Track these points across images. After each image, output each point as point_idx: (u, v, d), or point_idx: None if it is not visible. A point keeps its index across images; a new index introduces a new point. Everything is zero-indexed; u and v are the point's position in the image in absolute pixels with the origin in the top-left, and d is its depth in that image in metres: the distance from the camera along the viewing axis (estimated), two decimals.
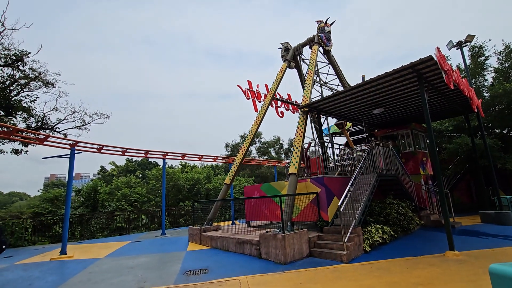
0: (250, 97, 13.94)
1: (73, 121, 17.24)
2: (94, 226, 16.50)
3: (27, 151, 15.48)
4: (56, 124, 16.85)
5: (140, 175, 37.36)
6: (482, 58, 17.80)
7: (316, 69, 14.46)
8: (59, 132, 16.91)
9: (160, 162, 35.16)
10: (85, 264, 8.17)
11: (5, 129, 10.43)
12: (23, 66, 15.05)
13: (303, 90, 12.45)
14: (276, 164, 22.47)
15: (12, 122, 14.90)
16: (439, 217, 11.83)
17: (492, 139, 15.12)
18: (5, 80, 14.83)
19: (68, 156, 10.40)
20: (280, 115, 15.12)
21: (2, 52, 14.35)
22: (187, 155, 15.61)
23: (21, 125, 15.39)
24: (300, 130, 10.60)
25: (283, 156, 39.86)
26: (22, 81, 15.30)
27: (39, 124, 16.19)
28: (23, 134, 11.33)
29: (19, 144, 14.92)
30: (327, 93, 15.11)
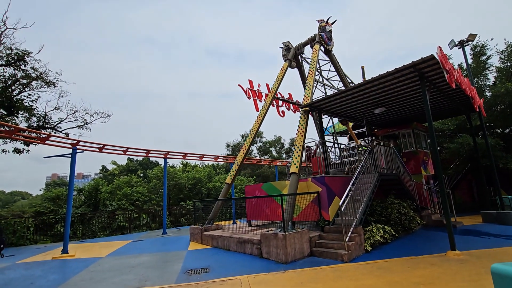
0: (251, 96, 13.93)
1: (75, 120, 17.32)
2: (95, 225, 16.55)
3: (29, 150, 15.56)
4: (57, 124, 16.92)
5: (142, 175, 37.43)
6: (484, 57, 17.72)
7: (318, 66, 14.44)
8: (60, 132, 16.98)
9: (161, 161, 35.28)
10: (87, 263, 8.20)
11: (7, 129, 10.47)
12: (24, 66, 15.11)
13: (304, 89, 12.44)
14: (277, 164, 22.47)
15: (14, 121, 14.97)
16: (441, 216, 11.80)
17: (494, 138, 15.07)
18: (7, 79, 14.89)
19: (70, 155, 10.44)
20: (281, 115, 15.11)
21: (4, 52, 14.40)
22: (188, 155, 15.63)
23: (23, 125, 15.45)
24: (301, 129, 10.59)
25: (284, 155, 39.86)
26: (24, 81, 15.36)
27: (40, 123, 16.25)
28: (25, 133, 11.38)
29: (21, 143, 14.99)
30: (330, 93, 15.08)
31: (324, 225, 8.44)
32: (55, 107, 16.53)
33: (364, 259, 6.85)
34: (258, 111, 13.53)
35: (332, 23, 15.70)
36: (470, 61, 17.39)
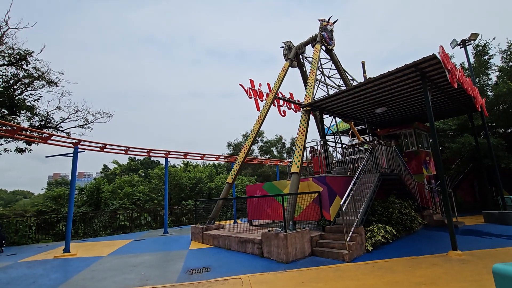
0: (253, 96, 13.92)
1: (76, 120, 17.39)
2: (97, 224, 16.62)
3: (31, 149, 15.63)
4: (59, 123, 16.99)
5: (143, 174, 37.51)
6: (486, 57, 17.64)
7: (319, 65, 14.41)
8: (62, 131, 17.04)
9: (162, 161, 35.36)
10: (88, 262, 8.23)
11: (9, 128, 10.52)
12: (26, 65, 15.17)
13: (306, 89, 12.43)
14: (278, 163, 22.47)
15: (16, 121, 15.03)
16: (442, 216, 11.77)
17: (496, 138, 15.01)
18: (9, 79, 14.95)
19: (71, 154, 10.47)
20: (282, 114, 15.11)
21: (6, 51, 14.46)
22: (189, 154, 15.65)
23: (25, 124, 15.52)
24: (302, 129, 10.58)
25: (285, 155, 39.87)
26: (26, 80, 15.42)
27: (42, 123, 16.32)
28: (27, 132, 11.42)
29: (23, 142, 15.06)
30: (332, 92, 15.07)
31: (325, 225, 8.43)
32: (57, 107, 16.61)
33: (365, 259, 6.85)
34: (259, 111, 13.53)
35: (334, 23, 15.67)
36: (472, 60, 17.31)
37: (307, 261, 6.95)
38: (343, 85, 15.76)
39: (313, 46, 14.74)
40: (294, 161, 9.60)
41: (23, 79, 15.33)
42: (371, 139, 12.89)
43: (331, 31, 15.39)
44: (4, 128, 10.52)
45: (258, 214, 11.30)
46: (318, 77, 14.22)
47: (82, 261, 8.37)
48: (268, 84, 14.58)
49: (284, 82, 14.56)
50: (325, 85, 14.93)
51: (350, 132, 17.66)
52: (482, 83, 17.69)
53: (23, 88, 15.52)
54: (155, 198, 21.70)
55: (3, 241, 11.25)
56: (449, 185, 14.81)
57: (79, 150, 10.73)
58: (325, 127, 12.95)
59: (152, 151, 14.13)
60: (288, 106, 15.63)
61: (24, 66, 15.13)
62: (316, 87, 13.18)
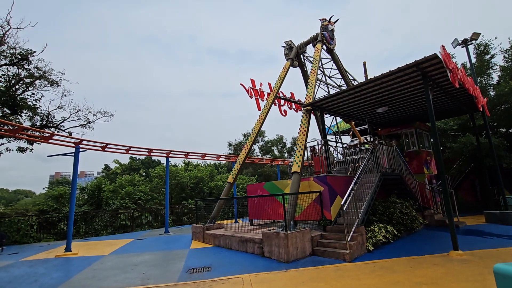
0: (253, 95, 13.92)
1: (78, 119, 17.42)
2: (98, 223, 16.66)
3: (32, 149, 15.67)
4: (60, 123, 17.03)
5: (144, 174, 37.58)
6: (487, 56, 17.60)
7: (320, 65, 14.40)
8: (63, 131, 17.09)
9: (163, 160, 35.40)
10: (90, 261, 8.25)
11: (11, 127, 10.56)
12: (28, 65, 15.21)
13: (307, 88, 12.42)
14: (279, 163, 22.47)
15: (17, 120, 15.08)
16: (443, 216, 11.75)
17: (498, 138, 14.97)
18: (10, 78, 15.00)
19: (73, 154, 10.50)
20: (283, 114, 15.10)
21: (8, 51, 14.50)
22: (190, 154, 15.66)
23: (26, 124, 15.57)
24: (303, 128, 10.58)
25: (286, 154, 39.85)
26: (27, 80, 15.47)
27: (44, 122, 16.36)
28: (29, 132, 11.45)
29: (25, 142, 15.11)
30: (333, 92, 15.04)
31: (326, 225, 8.43)
32: (58, 106, 16.64)
33: (366, 259, 6.84)
34: (260, 110, 13.53)
35: (335, 22, 15.65)
36: (473, 60, 17.27)
37: (308, 261, 6.95)
38: (344, 85, 15.73)
39: (314, 46, 14.72)
40: (295, 161, 9.61)
41: (24, 79, 15.38)
42: (372, 138, 12.87)
43: (332, 30, 15.38)
44: (6, 127, 10.57)
45: (259, 213, 11.31)
46: (319, 76, 14.20)
47: (83, 260, 8.39)
48: (269, 84, 14.58)
49: (285, 82, 14.54)
50: (326, 85, 14.89)
51: (351, 132, 17.64)
52: (484, 82, 17.65)
53: (25, 88, 15.57)
54: (156, 198, 21.74)
55: (4, 240, 11.30)
56: (450, 185, 14.79)
57: (81, 149, 10.76)
58: (325, 126, 12.93)
59: (153, 151, 14.15)
60: (289, 106, 15.62)
61: (26, 66, 15.17)
62: (317, 86, 13.15)
